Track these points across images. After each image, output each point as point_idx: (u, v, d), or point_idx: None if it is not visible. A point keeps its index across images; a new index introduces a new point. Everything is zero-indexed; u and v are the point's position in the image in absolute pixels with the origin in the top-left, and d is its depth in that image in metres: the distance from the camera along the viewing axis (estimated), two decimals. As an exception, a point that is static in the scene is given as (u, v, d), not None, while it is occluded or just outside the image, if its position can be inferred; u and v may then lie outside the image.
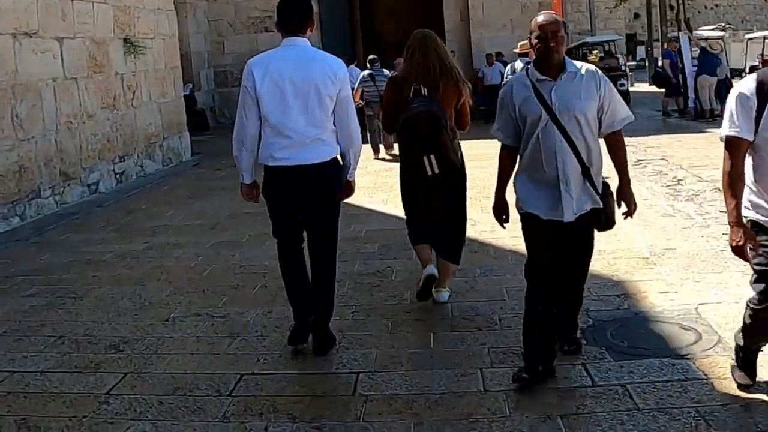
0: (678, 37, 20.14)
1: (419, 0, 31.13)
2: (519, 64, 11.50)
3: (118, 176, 12.28)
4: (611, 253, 6.50)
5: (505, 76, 11.97)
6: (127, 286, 6.53)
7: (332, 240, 4.70)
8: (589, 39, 25.69)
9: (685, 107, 18.90)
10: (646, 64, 38.03)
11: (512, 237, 6.58)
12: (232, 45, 23.35)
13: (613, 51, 25.08)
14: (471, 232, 6.41)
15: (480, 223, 7.75)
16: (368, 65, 14.31)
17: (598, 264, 5.64)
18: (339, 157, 4.59)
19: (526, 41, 11.68)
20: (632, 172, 10.87)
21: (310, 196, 4.46)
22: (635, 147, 13.75)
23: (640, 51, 49.06)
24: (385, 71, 13.93)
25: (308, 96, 4.32)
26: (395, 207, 8.55)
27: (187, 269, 6.99)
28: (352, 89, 10.49)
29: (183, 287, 6.42)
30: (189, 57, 22.12)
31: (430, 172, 4.96)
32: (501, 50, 21.16)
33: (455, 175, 5.20)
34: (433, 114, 4.83)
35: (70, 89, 10.89)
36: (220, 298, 6.06)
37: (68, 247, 8.17)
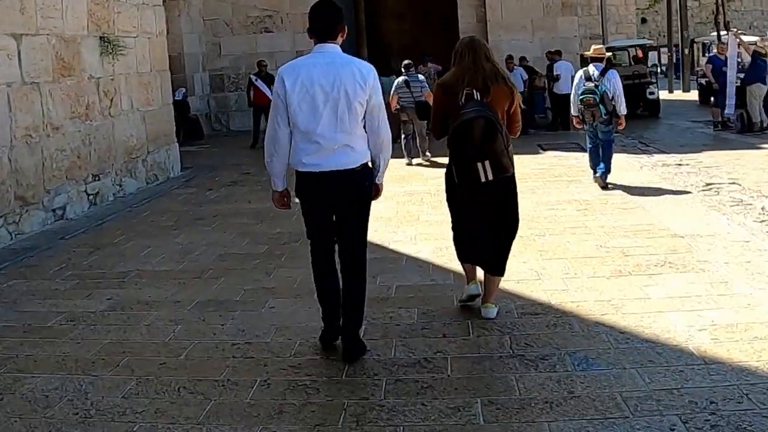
0: (721, 40, 18.30)
1: (429, 0, 29.85)
2: (593, 70, 10.01)
3: (91, 198, 10.40)
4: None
5: (575, 82, 10.41)
6: (70, 377, 4.64)
7: (362, 244, 4.67)
8: (616, 43, 23.82)
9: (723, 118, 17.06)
10: (658, 70, 36.23)
11: (598, 301, 5.55)
12: (229, 46, 21.53)
13: (642, 55, 23.15)
14: (538, 291, 5.76)
15: (546, 277, 5.96)
16: (403, 71, 13.97)
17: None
18: (369, 163, 4.56)
19: (600, 45, 9.58)
20: (707, 200, 9.38)
21: (339, 200, 4.50)
22: (690, 165, 11.95)
23: (652, 56, 47.34)
24: (420, 76, 13.96)
25: (338, 102, 4.33)
26: (429, 247, 7.42)
27: (158, 348, 5.08)
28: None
29: (149, 382, 4.52)
30: (181, 59, 20.32)
31: (483, 179, 4.81)
32: (523, 54, 19.36)
33: (508, 181, 5.06)
34: (488, 118, 4.71)
35: (30, 96, 9.01)
36: (200, 405, 4.18)
37: (6, 303, 6.28)
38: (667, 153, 13.67)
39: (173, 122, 13.71)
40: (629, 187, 10.09)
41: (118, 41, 11.26)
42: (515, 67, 17.88)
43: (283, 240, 8.03)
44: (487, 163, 4.78)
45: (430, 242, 7.53)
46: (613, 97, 9.84)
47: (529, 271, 6.40)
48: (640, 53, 23.61)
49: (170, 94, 13.69)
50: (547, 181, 10.86)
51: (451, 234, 5.42)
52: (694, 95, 26.25)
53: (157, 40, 12.97)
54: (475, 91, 4.83)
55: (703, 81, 24.87)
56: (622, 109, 10.05)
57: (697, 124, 18.93)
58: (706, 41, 30.94)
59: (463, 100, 4.82)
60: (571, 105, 10.43)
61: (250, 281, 6.51)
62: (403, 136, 13.51)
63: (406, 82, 13.54)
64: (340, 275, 4.70)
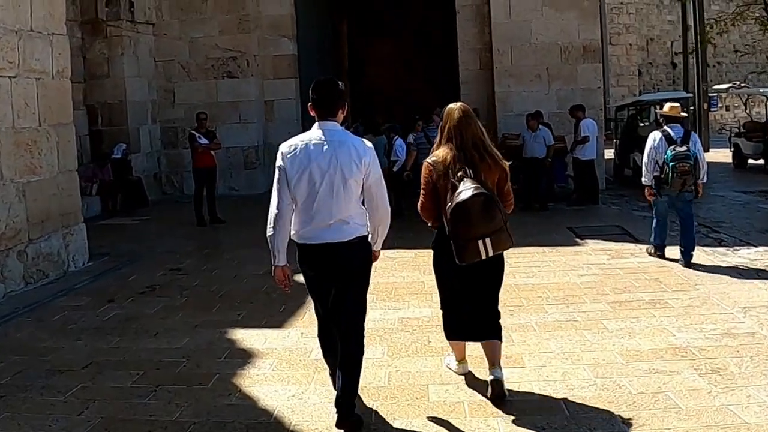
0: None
1: (422, 44, 26.53)
2: (674, 132, 8.79)
3: None
4: None
5: (650, 145, 8.93)
6: None
7: (360, 313, 4.68)
8: (646, 97, 20.38)
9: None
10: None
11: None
12: (184, 93, 17.99)
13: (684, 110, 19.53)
14: None
15: None
16: (420, 125, 14.41)
17: None
18: (366, 236, 4.63)
19: (677, 104, 9.35)
20: None
21: (336, 271, 4.55)
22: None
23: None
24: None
25: (333, 180, 4.44)
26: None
27: None
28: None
29: None
30: (124, 108, 16.83)
31: (484, 256, 4.72)
32: (538, 108, 15.83)
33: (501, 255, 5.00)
34: (487, 195, 4.66)
35: None
36: None
37: None
38: (754, 245, 10.10)
39: (77, 195, 10.03)
40: (750, 308, 6.50)
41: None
42: (540, 127, 14.27)
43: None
44: (488, 240, 4.71)
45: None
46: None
47: None
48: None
49: (74, 157, 9.99)
50: (617, 306, 7.20)
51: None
52: (719, 155, 22.83)
53: (52, 83, 9.33)
54: (467, 169, 4.74)
55: (739, 141, 21.58)
56: (705, 176, 8.99)
57: (753, 197, 15.43)
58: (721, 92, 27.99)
59: (456, 179, 4.72)
60: (645, 172, 9.08)
61: None
62: None
63: (426, 136, 13.19)
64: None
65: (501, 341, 5.10)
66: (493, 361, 5.03)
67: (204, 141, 13.30)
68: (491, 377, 4.97)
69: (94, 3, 16.37)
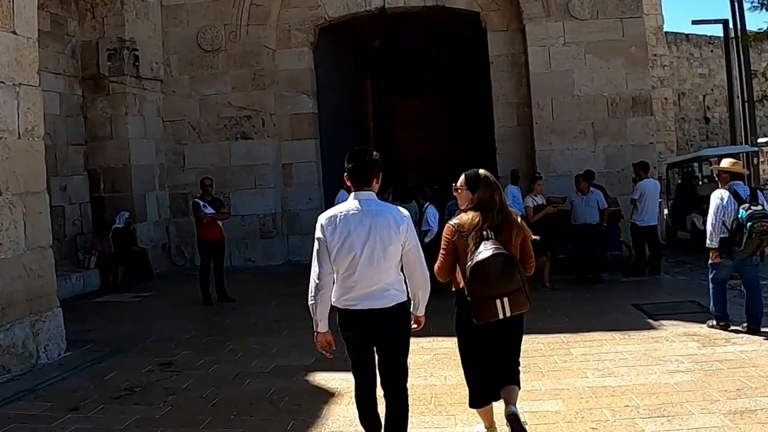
0: None
1: (453, 101, 25.03)
2: (737, 190, 8.15)
3: None
4: None
5: (718, 204, 8.17)
6: None
7: (403, 374, 4.72)
8: (708, 152, 18.62)
9: None
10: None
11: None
12: (195, 156, 16.49)
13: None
14: None
15: None
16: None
17: None
18: (405, 302, 4.67)
19: (738, 160, 9.84)
20: None
21: (378, 336, 4.61)
22: None
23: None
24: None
25: (374, 249, 4.52)
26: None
27: None
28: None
29: None
30: (128, 173, 15.32)
31: (501, 316, 4.72)
32: (585, 167, 14.18)
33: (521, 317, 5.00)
34: (507, 256, 4.69)
35: None
36: None
37: None
38: None
39: (50, 276, 8.37)
40: None
41: None
42: (591, 189, 12.54)
43: None
44: (506, 299, 4.70)
45: None
46: None
47: None
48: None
49: (47, 232, 8.39)
50: (737, 418, 5.39)
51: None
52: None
53: (18, 144, 7.80)
54: (489, 231, 4.77)
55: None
56: None
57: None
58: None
59: (476, 240, 4.74)
60: (712, 234, 8.23)
61: None
62: None
63: None
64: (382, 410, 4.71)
65: (519, 387, 5.14)
66: (509, 401, 4.99)
67: (210, 210, 11.71)
68: (508, 413, 4.92)
69: (95, 57, 15.05)
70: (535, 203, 12.03)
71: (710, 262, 8.39)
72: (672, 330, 8.39)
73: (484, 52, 16.49)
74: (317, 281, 4.55)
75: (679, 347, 7.59)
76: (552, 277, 12.16)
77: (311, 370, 7.34)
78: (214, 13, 16.32)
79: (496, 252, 4.65)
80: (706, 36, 42.95)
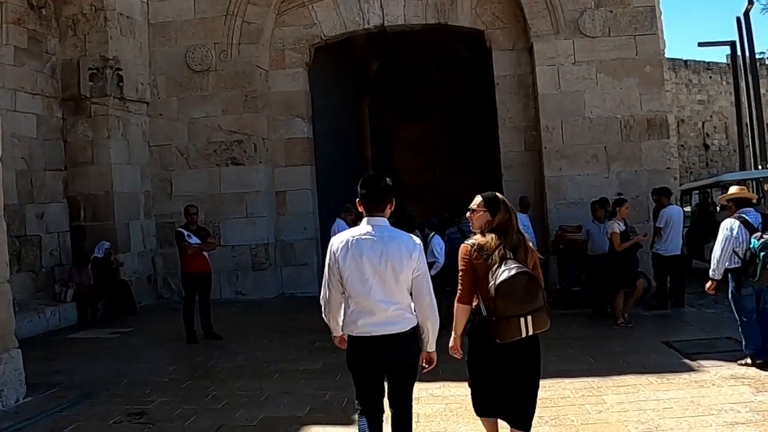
0: None
1: (455, 125, 24.15)
2: (747, 218, 7.71)
3: None
4: None
5: (727, 234, 7.72)
6: None
7: (410, 402, 4.73)
8: (727, 177, 17.66)
9: None
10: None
11: None
12: (183, 183, 15.53)
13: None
14: None
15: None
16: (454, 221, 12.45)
17: None
18: (416, 324, 4.65)
19: (743, 187, 9.18)
20: None
21: (388, 362, 4.59)
22: None
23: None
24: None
25: (385, 274, 4.52)
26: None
27: None
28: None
29: None
30: (110, 200, 14.37)
31: (524, 334, 4.65)
32: (599, 195, 13.27)
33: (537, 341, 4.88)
34: (531, 275, 4.69)
35: None
36: None
37: None
38: None
39: (8, 314, 7.31)
40: None
41: None
42: (605, 218, 11.50)
43: None
44: (529, 318, 4.66)
45: None
46: None
47: None
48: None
49: (4, 265, 7.36)
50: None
51: None
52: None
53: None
54: (509, 252, 4.75)
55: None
56: None
57: None
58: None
59: (499, 260, 4.70)
60: (716, 265, 7.87)
61: None
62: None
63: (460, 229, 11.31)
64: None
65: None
66: None
67: (195, 240, 10.73)
68: None
69: (76, 76, 14.15)
70: (621, 229, 10.81)
71: (707, 288, 8.02)
72: (715, 372, 7.39)
73: (488, 73, 15.64)
74: (328, 303, 4.67)
75: (729, 393, 6.59)
76: (565, 311, 11.23)
77: (305, 422, 6.32)
78: (204, 32, 15.45)
79: (520, 271, 4.63)
80: (704, 62, 42.35)
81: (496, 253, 4.74)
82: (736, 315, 7.92)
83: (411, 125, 24.33)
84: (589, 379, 7.33)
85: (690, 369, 7.62)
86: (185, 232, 10.74)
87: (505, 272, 4.63)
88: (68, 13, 14.22)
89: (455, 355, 4.96)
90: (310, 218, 15.68)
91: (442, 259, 10.53)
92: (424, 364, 4.67)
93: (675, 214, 11.67)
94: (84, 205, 14.30)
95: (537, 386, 4.93)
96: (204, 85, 15.44)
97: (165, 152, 15.55)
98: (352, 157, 18.71)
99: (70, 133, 14.28)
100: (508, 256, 4.73)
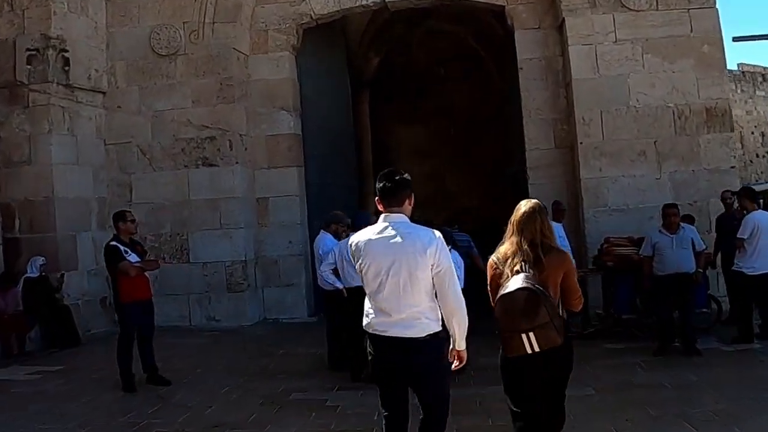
0: None
1: (469, 123, 21.66)
2: None
3: None
4: None
5: None
6: None
7: (440, 418, 4.50)
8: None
9: None
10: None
11: None
12: (145, 188, 13.12)
13: None
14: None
15: None
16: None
17: None
18: (438, 332, 4.43)
19: None
20: None
21: (407, 368, 4.41)
22: None
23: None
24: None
25: (399, 274, 4.36)
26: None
27: None
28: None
29: None
30: (51, 207, 11.77)
31: (530, 350, 4.44)
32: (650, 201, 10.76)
33: (559, 354, 4.56)
34: (531, 290, 4.42)
35: None
36: None
37: None
38: None
39: None
40: None
41: None
42: (682, 225, 8.98)
43: None
44: (531, 334, 4.43)
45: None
46: None
47: None
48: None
49: None
50: None
51: None
52: None
53: None
54: (524, 264, 4.52)
55: None
56: None
57: None
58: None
59: (510, 273, 4.54)
60: None
61: None
62: None
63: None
64: None
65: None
66: None
67: (135, 258, 8.18)
68: None
69: (12, 59, 11.64)
70: None
71: None
72: None
73: (512, 56, 13.17)
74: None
75: None
76: (616, 345, 8.79)
77: None
78: (172, 9, 13.08)
79: (521, 286, 4.38)
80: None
81: (508, 264, 4.57)
82: None
83: (416, 128, 21.94)
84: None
85: None
86: (121, 248, 8.15)
87: (508, 287, 4.46)
88: (4, -16, 11.81)
89: None
90: (297, 230, 13.21)
91: (461, 274, 8.00)
92: (454, 361, 4.45)
93: (763, 221, 9.02)
94: (19, 213, 11.77)
95: (562, 397, 4.68)
96: (171, 72, 13.04)
97: (124, 151, 13.10)
98: (348, 158, 16.14)
99: (4, 127, 11.79)
100: (524, 269, 4.49)
